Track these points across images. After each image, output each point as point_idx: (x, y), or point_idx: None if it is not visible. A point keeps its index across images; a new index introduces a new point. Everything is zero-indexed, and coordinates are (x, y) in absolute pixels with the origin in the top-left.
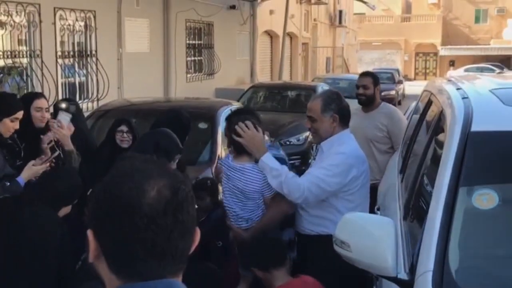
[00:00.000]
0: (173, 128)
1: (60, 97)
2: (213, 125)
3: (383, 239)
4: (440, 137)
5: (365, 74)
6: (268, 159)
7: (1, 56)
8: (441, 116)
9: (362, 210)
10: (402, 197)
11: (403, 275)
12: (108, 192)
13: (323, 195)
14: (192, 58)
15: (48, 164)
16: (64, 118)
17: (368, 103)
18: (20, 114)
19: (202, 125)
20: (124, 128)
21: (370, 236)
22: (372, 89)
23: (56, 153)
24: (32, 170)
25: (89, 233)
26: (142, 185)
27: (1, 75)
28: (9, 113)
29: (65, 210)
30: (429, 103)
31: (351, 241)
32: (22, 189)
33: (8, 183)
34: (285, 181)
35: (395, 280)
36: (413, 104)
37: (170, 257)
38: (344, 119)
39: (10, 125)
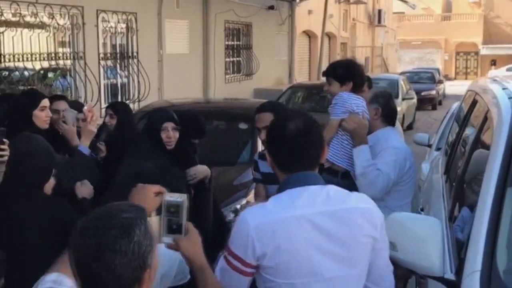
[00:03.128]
0: (189, 131)
1: (103, 98)
2: (253, 125)
3: (430, 239)
4: (487, 137)
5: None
6: (366, 149)
7: (45, 58)
8: (487, 116)
9: (408, 208)
10: (447, 198)
11: (449, 275)
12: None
13: (388, 189)
14: (231, 59)
15: (94, 121)
16: (69, 114)
17: None
18: (45, 102)
19: (242, 126)
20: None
21: (417, 236)
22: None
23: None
24: (88, 131)
25: (267, 152)
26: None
27: (44, 75)
28: (34, 105)
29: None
30: (473, 103)
31: (397, 241)
32: (88, 156)
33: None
34: (368, 176)
35: (441, 280)
36: (456, 104)
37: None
38: (388, 116)
39: (42, 115)
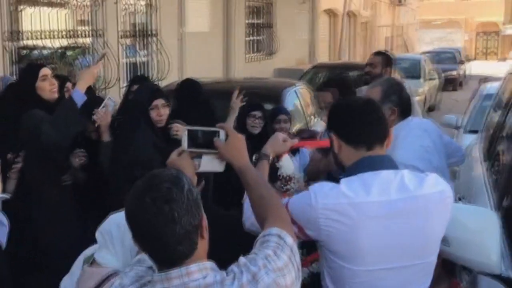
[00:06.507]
0: (192, 100)
1: (122, 77)
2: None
3: (487, 233)
4: None
5: (376, 53)
6: None
7: (64, 36)
8: None
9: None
10: (492, 187)
11: (509, 273)
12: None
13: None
14: (251, 38)
15: (99, 64)
16: (111, 104)
17: None
18: (44, 71)
19: (268, 106)
20: (257, 113)
21: (472, 229)
22: (379, 69)
23: (104, 51)
24: (90, 73)
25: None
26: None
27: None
28: (34, 77)
29: None
30: None
31: (450, 235)
32: (81, 101)
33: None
34: None
35: (499, 278)
36: (487, 85)
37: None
38: (404, 113)
39: (46, 84)
